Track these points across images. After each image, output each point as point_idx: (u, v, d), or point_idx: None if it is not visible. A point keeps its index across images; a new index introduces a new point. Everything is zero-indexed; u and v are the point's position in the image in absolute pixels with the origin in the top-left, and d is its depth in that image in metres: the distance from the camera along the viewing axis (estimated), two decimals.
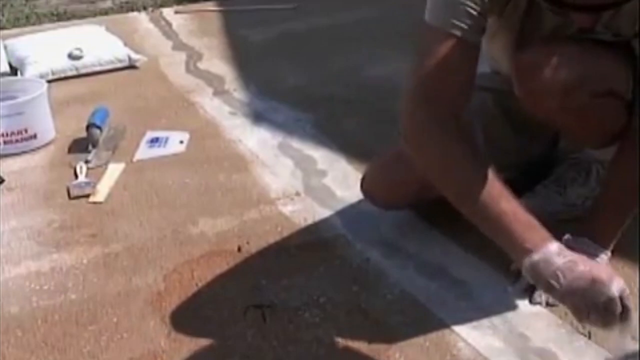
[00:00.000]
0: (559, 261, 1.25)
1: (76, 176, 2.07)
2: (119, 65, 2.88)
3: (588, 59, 1.39)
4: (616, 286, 1.24)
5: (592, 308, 1.23)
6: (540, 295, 1.43)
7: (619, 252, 1.56)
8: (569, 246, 1.46)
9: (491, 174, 1.30)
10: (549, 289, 1.25)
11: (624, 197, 1.45)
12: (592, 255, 1.45)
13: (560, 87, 1.37)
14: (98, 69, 2.86)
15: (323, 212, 1.82)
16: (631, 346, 1.31)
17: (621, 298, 1.23)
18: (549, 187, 1.72)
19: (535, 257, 1.26)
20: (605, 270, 1.28)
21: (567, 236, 1.52)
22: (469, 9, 1.32)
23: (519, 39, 1.51)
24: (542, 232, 1.28)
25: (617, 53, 1.42)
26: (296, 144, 2.19)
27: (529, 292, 1.45)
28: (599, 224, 1.48)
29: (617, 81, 1.42)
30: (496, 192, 1.29)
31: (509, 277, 1.50)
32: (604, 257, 1.47)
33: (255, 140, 2.23)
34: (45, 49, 2.89)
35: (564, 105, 1.39)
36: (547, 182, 1.74)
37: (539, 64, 1.38)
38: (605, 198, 1.50)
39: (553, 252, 1.26)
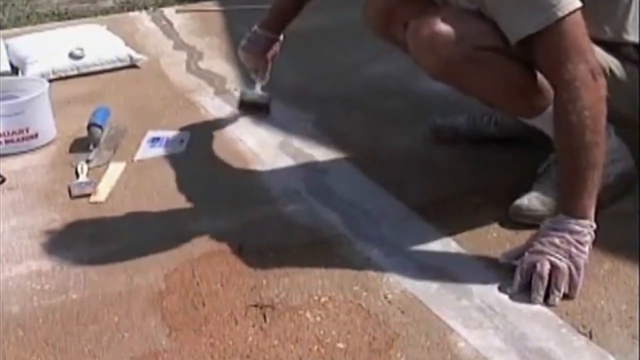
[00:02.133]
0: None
1: (77, 176, 2.07)
2: (120, 64, 2.88)
3: (462, 20, 1.59)
4: None
5: None
6: (538, 295, 1.44)
7: (619, 252, 1.56)
8: (551, 227, 1.49)
9: None
10: None
11: (569, 160, 1.50)
12: (573, 231, 1.47)
13: (441, 40, 1.56)
14: (99, 68, 2.86)
15: (323, 212, 1.82)
16: None
17: None
18: (544, 184, 1.73)
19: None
20: None
21: (545, 222, 1.53)
22: None
23: None
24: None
25: (485, 18, 1.59)
26: (297, 143, 2.19)
27: (527, 292, 1.46)
28: (564, 196, 1.52)
29: (490, 38, 1.57)
30: None
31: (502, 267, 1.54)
32: (582, 229, 1.47)
33: (256, 140, 2.23)
34: (46, 48, 2.89)
35: (448, 58, 1.56)
36: (541, 179, 1.75)
37: (422, 25, 1.59)
38: (559, 170, 1.56)
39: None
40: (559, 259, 1.46)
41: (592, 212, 1.48)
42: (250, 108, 2.31)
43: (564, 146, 1.51)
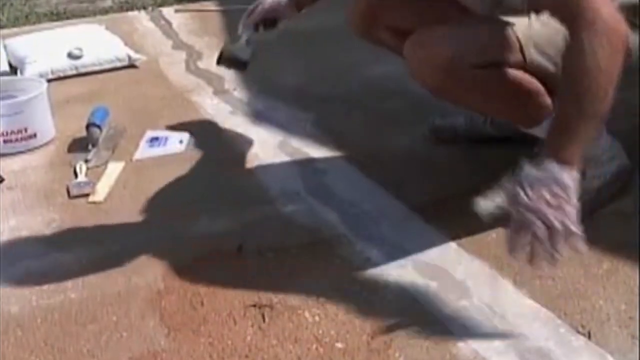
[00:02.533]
0: None
1: (76, 175, 2.07)
2: (118, 64, 2.88)
3: (460, 35, 1.59)
4: None
5: None
6: (539, 259, 1.36)
7: (618, 252, 1.56)
8: (536, 177, 1.38)
9: None
10: None
11: (573, 104, 1.40)
12: (560, 183, 1.37)
13: (438, 60, 1.54)
14: (98, 68, 2.86)
15: (323, 212, 1.82)
16: None
17: None
18: None
19: None
20: None
21: (526, 167, 1.40)
22: None
23: None
24: None
25: (495, 27, 1.56)
26: (296, 143, 2.18)
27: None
28: (554, 140, 1.42)
29: (490, 52, 1.57)
30: None
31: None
32: (569, 180, 1.38)
33: (255, 140, 2.23)
34: (44, 48, 2.89)
35: (446, 78, 1.55)
36: None
37: (419, 44, 1.58)
38: (553, 116, 1.50)
39: None
40: (554, 217, 1.35)
41: (579, 162, 1.39)
42: (229, 62, 2.06)
43: (572, 90, 1.40)
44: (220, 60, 2.05)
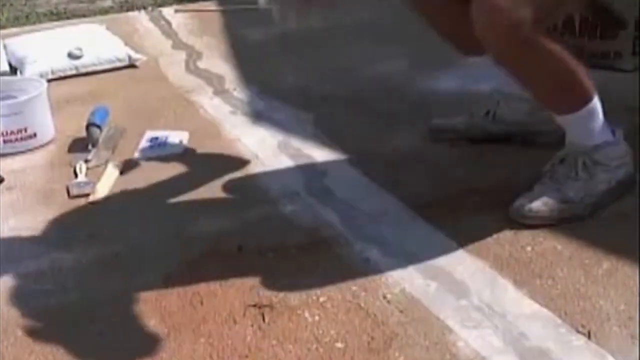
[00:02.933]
0: None
1: (76, 175, 2.07)
2: (118, 64, 2.88)
3: None
4: None
5: None
6: None
7: (618, 252, 1.56)
8: None
9: None
10: None
11: None
12: None
13: (504, 25, 1.54)
14: (98, 68, 2.86)
15: (323, 212, 1.82)
16: None
17: None
18: (546, 185, 1.73)
19: None
20: None
21: None
22: None
23: None
24: None
25: None
26: (296, 143, 2.18)
27: None
28: None
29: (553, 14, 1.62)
30: None
31: None
32: None
33: (255, 140, 2.23)
34: (45, 48, 2.89)
35: (509, 40, 1.55)
36: (544, 179, 1.75)
37: (486, 8, 1.55)
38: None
39: None
40: None
41: None
42: None
43: None
44: None
